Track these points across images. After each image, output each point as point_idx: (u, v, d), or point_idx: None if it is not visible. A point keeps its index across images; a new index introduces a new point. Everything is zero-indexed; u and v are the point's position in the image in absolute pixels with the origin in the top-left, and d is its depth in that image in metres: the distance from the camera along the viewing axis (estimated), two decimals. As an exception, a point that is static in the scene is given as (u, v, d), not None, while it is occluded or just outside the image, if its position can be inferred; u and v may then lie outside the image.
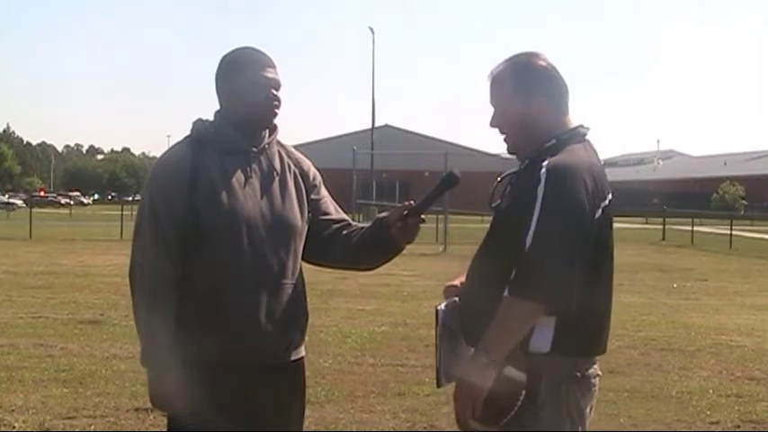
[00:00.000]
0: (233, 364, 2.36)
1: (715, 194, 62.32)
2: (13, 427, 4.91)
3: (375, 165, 40.44)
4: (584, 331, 2.19)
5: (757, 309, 11.00)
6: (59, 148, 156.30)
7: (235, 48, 2.51)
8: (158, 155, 2.61)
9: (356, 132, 55.51)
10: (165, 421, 2.48)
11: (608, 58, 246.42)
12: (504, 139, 2.35)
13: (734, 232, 25.99)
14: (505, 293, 2.07)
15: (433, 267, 16.07)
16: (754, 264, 19.18)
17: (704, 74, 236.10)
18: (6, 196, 66.37)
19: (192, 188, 2.37)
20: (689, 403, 5.73)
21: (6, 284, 12.05)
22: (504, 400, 2.08)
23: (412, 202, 2.50)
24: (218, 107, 2.51)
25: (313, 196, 2.59)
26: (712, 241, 26.76)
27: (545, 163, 2.14)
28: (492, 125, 2.34)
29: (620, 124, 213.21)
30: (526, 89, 2.26)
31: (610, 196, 2.22)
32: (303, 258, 2.54)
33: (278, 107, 2.47)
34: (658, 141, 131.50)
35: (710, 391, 6.08)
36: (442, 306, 2.34)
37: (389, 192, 40.95)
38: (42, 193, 77.70)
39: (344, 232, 2.60)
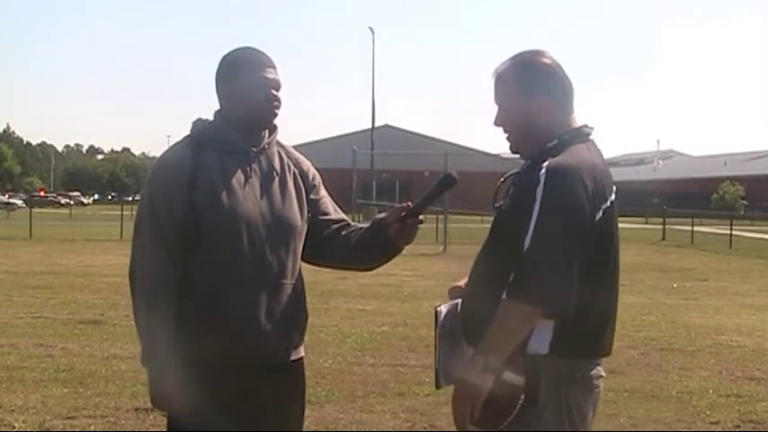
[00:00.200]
0: (233, 364, 2.36)
1: (715, 194, 62.33)
2: (13, 427, 4.91)
3: (375, 165, 40.44)
4: (584, 332, 2.16)
5: (757, 309, 11.00)
6: (59, 148, 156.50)
7: (235, 48, 2.51)
8: (158, 155, 2.61)
9: (356, 132, 55.51)
10: (165, 421, 2.48)
11: (608, 58, 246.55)
12: (507, 138, 2.33)
13: (734, 232, 25.98)
14: (503, 296, 2.06)
15: (433, 267, 16.08)
16: (754, 264, 19.18)
17: (704, 74, 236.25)
18: (6, 196, 66.33)
19: (191, 188, 2.37)
20: (689, 403, 5.73)
21: (6, 284, 12.05)
22: (502, 403, 2.07)
23: (410, 203, 2.50)
24: (218, 107, 2.51)
25: (312, 196, 2.58)
26: (712, 241, 26.76)
27: (545, 163, 2.12)
28: (496, 123, 2.33)
29: (620, 124, 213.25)
30: (528, 87, 2.24)
31: (612, 197, 2.19)
32: (302, 258, 2.54)
33: (278, 107, 2.47)
34: (658, 141, 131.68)
35: (710, 391, 6.08)
36: (442, 307, 2.33)
37: (389, 192, 40.92)
38: (42, 193, 77.71)
39: (344, 233, 2.60)
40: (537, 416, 2.10)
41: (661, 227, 30.57)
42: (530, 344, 2.11)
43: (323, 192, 2.64)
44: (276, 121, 2.50)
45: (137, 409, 5.20)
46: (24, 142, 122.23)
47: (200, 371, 2.30)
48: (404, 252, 2.59)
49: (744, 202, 61.59)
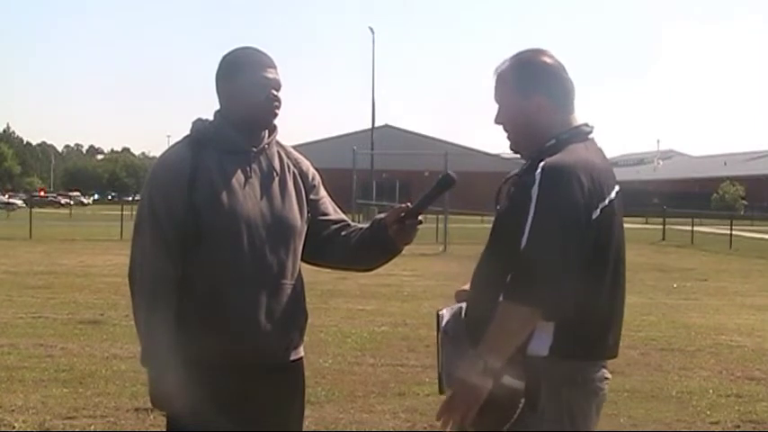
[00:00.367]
0: (233, 364, 2.35)
1: (715, 194, 62.35)
2: (13, 427, 4.91)
3: (375, 165, 40.45)
4: (585, 334, 2.13)
5: (757, 309, 11.00)
6: (59, 148, 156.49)
7: (235, 48, 2.51)
8: (158, 155, 2.60)
9: (356, 132, 55.53)
10: (165, 421, 2.48)
11: (608, 58, 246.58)
12: (507, 137, 2.33)
13: (734, 232, 25.99)
14: (501, 298, 2.05)
15: (433, 267, 16.08)
16: (754, 264, 19.18)
17: (704, 74, 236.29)
18: (6, 196, 66.33)
19: (191, 188, 2.37)
20: (689, 403, 5.73)
21: (6, 284, 12.05)
22: (502, 407, 2.06)
23: (409, 204, 2.50)
24: (218, 107, 2.51)
25: (312, 196, 2.58)
26: (712, 241, 26.76)
27: (541, 163, 2.11)
28: (496, 122, 2.33)
29: (620, 124, 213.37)
30: (527, 86, 2.24)
31: (612, 196, 2.16)
32: (302, 258, 2.54)
33: (278, 107, 2.47)
34: (658, 141, 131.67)
35: (710, 391, 6.08)
36: (444, 311, 2.32)
37: (389, 192, 40.91)
38: (42, 193, 77.71)
39: (343, 233, 2.60)
40: (538, 419, 2.08)
41: (661, 227, 30.57)
42: (530, 346, 2.09)
43: (322, 192, 2.64)
44: (276, 121, 2.49)
45: (137, 409, 5.20)
46: (24, 142, 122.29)
47: (199, 371, 2.30)
48: (404, 252, 2.59)
49: (744, 202, 61.60)
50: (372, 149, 42.74)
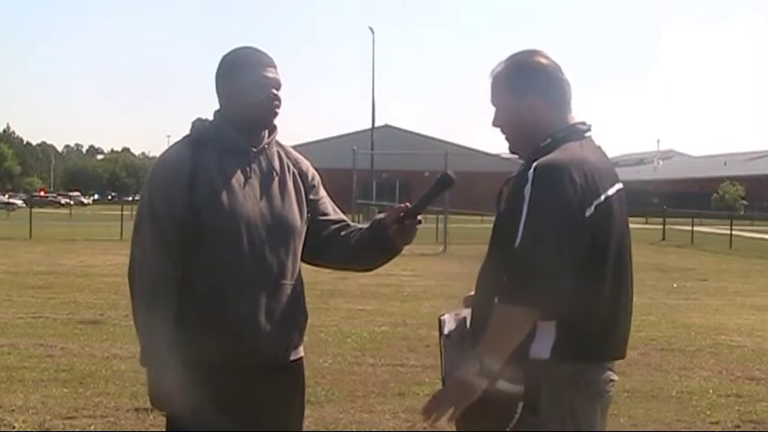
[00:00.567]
0: (233, 364, 2.35)
1: (715, 194, 62.35)
2: (13, 427, 4.91)
3: (375, 165, 40.44)
4: (587, 335, 2.11)
5: (757, 309, 11.00)
6: (59, 148, 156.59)
7: (235, 47, 2.51)
8: (158, 155, 2.60)
9: (356, 132, 55.52)
10: (165, 421, 2.48)
11: (608, 58, 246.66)
12: (506, 139, 2.33)
13: (734, 232, 25.99)
14: (495, 300, 2.03)
15: (433, 267, 16.08)
16: (754, 264, 19.18)
17: (704, 74, 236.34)
18: (6, 196, 66.35)
19: (191, 188, 2.36)
20: (689, 403, 5.73)
21: (6, 284, 12.05)
22: (498, 411, 2.04)
23: (408, 203, 2.49)
24: (218, 107, 2.51)
25: (312, 197, 2.58)
26: (712, 241, 26.76)
27: (535, 163, 2.11)
28: (494, 125, 2.32)
29: (620, 124, 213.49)
30: (521, 88, 2.23)
31: (610, 193, 2.14)
32: (302, 259, 2.54)
33: (278, 107, 2.47)
34: (658, 141, 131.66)
35: (710, 391, 6.08)
36: (446, 316, 2.30)
37: (389, 192, 40.90)
38: (42, 193, 77.72)
39: (343, 233, 2.60)
40: (539, 424, 2.06)
41: (661, 227, 30.56)
42: (531, 348, 2.07)
43: (322, 192, 2.64)
44: (276, 121, 2.49)
45: (137, 409, 5.20)
46: (24, 142, 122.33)
47: (199, 371, 2.30)
48: (404, 252, 2.59)
49: (744, 202, 61.60)
50: (372, 149, 42.74)
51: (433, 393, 2.13)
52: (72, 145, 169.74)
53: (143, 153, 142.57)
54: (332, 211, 2.64)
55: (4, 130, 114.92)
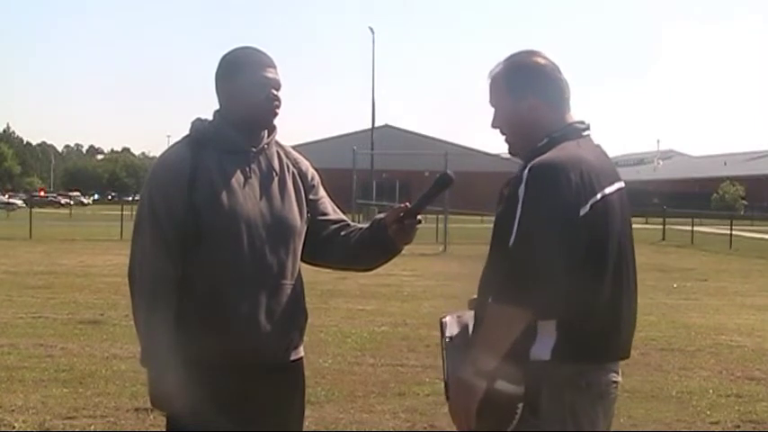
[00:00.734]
0: (233, 364, 2.35)
1: (715, 194, 62.36)
2: (13, 427, 4.91)
3: (375, 165, 40.45)
4: (587, 335, 2.09)
5: (757, 309, 11.00)
6: (59, 148, 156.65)
7: (235, 48, 2.51)
8: (158, 155, 2.61)
9: (356, 132, 55.54)
10: (165, 421, 2.48)
11: (608, 58, 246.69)
12: (505, 140, 2.32)
13: (734, 232, 26.00)
14: (489, 300, 2.03)
15: (433, 267, 16.08)
16: (754, 264, 19.18)
17: (704, 74, 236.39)
18: (6, 196, 66.36)
19: (191, 188, 2.37)
20: (689, 403, 5.73)
21: (6, 284, 12.05)
22: (498, 412, 2.04)
23: (408, 203, 2.49)
24: (217, 107, 2.51)
25: (311, 197, 2.58)
26: (712, 241, 26.76)
27: (530, 163, 2.11)
28: (493, 125, 2.31)
29: (620, 124, 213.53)
30: (519, 88, 2.23)
31: (608, 191, 2.13)
32: (302, 259, 2.54)
33: (278, 107, 2.47)
34: (658, 141, 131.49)
35: (710, 391, 6.08)
36: (447, 318, 2.30)
37: (389, 192, 40.91)
38: (42, 193, 77.73)
39: (343, 233, 2.60)
40: (539, 426, 2.05)
41: (661, 227, 30.55)
42: (532, 350, 2.06)
43: (322, 192, 2.64)
44: (276, 121, 2.49)
45: (137, 409, 5.20)
46: (24, 142, 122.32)
47: (199, 371, 2.30)
48: (404, 252, 2.59)
49: (744, 202, 61.61)
50: (372, 149, 42.75)
51: (449, 410, 2.13)
52: (72, 145, 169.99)
53: (143, 153, 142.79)
54: (332, 211, 2.65)
55: (4, 130, 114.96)
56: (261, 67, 2.44)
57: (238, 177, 2.42)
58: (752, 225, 40.31)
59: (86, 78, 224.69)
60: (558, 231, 2.02)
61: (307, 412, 2.67)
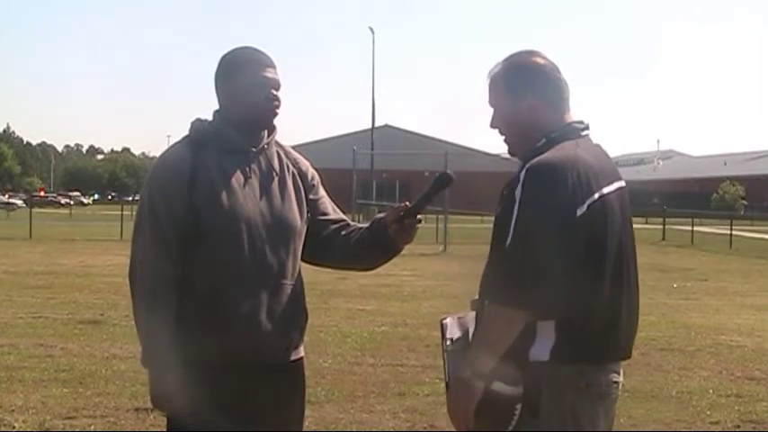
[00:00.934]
0: (233, 364, 2.35)
1: (715, 194, 62.36)
2: (13, 427, 4.91)
3: (375, 165, 40.44)
4: (587, 336, 2.08)
5: (757, 309, 11.00)
6: (59, 148, 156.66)
7: (235, 48, 2.51)
8: (158, 155, 2.61)
9: (356, 132, 55.53)
10: (165, 421, 2.48)
11: (608, 58, 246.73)
12: (504, 140, 2.32)
13: (734, 232, 26.00)
14: (486, 301, 2.03)
15: (433, 267, 16.08)
16: (754, 264, 19.18)
17: (704, 74, 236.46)
18: (6, 196, 66.36)
19: (191, 188, 2.37)
20: (689, 403, 5.73)
21: (6, 284, 12.05)
22: (496, 413, 2.03)
23: (408, 203, 2.49)
24: (217, 107, 2.51)
25: (311, 196, 2.58)
26: (712, 241, 26.76)
27: (528, 164, 2.10)
28: (492, 126, 2.31)
29: (620, 124, 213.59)
30: (518, 88, 2.22)
31: (606, 191, 2.12)
32: (302, 258, 2.54)
33: (278, 107, 2.47)
34: (658, 141, 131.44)
35: (710, 391, 6.08)
36: (447, 320, 2.30)
37: (389, 192, 40.92)
38: (42, 193, 77.73)
39: (343, 233, 2.60)
40: (539, 427, 2.05)
41: (661, 227, 30.55)
42: (531, 351, 2.06)
43: (322, 192, 2.64)
44: (276, 121, 2.49)
45: (137, 409, 5.20)
46: (24, 142, 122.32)
47: (200, 371, 2.30)
48: (404, 252, 2.59)
49: (744, 202, 61.61)
50: (372, 149, 42.74)
51: (447, 410, 2.13)
52: (72, 145, 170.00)
53: (143, 153, 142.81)
54: (332, 211, 2.65)
55: (4, 130, 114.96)
56: (260, 67, 2.44)
57: (238, 177, 2.42)
58: (752, 225, 40.31)
59: (86, 78, 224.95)
60: (555, 232, 2.01)
61: (307, 412, 2.67)
